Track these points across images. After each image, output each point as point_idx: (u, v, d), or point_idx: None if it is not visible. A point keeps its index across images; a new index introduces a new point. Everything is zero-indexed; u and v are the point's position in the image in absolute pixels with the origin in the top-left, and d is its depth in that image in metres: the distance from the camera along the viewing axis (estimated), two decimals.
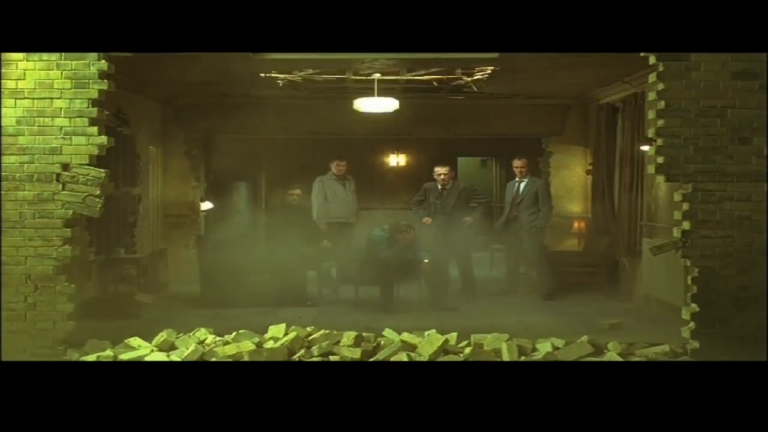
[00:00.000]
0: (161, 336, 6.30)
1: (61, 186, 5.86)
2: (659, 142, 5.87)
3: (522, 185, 9.51)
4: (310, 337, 6.29)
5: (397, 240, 8.76)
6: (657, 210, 8.43)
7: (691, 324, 5.89)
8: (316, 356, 5.98)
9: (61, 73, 5.84)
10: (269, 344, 6.17)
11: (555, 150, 11.30)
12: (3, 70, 5.81)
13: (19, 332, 5.84)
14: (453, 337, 6.28)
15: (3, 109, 5.82)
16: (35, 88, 5.85)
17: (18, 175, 5.85)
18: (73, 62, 5.83)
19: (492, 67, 8.11)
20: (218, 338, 6.40)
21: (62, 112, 5.85)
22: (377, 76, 8.44)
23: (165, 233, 10.91)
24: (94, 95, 5.86)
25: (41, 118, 5.85)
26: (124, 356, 5.98)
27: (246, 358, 5.88)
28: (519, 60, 7.62)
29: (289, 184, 9.53)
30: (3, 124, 5.82)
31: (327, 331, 6.36)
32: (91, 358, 5.91)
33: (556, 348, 6.09)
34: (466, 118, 11.13)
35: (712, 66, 5.80)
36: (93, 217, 6.08)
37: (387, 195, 13.41)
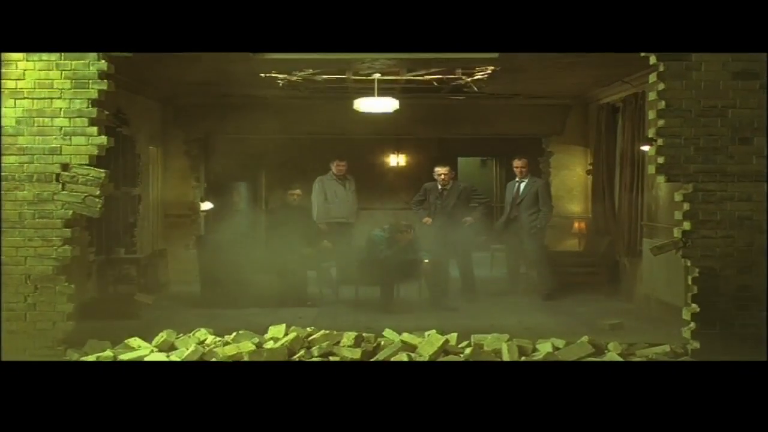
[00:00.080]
0: (161, 336, 6.29)
1: (60, 186, 5.86)
2: (660, 142, 5.86)
3: (522, 185, 9.50)
4: (310, 338, 6.29)
5: (398, 240, 8.76)
6: (657, 210, 8.42)
7: (692, 324, 5.88)
8: (316, 356, 5.98)
9: (61, 73, 5.84)
10: (269, 344, 6.17)
11: (555, 150, 11.29)
12: (3, 70, 5.80)
13: (19, 332, 5.84)
14: (453, 337, 6.28)
15: (3, 109, 5.82)
16: (35, 88, 5.84)
17: (18, 175, 5.84)
18: (73, 62, 5.83)
19: (492, 67, 8.11)
20: (218, 338, 6.40)
21: (62, 112, 5.85)
22: (377, 76, 8.43)
23: (165, 233, 10.90)
24: (94, 95, 5.85)
25: (41, 118, 5.85)
26: (124, 356, 5.98)
27: (246, 359, 5.88)
28: (519, 60, 7.62)
29: (289, 184, 9.52)
30: (3, 124, 5.81)
31: (327, 332, 6.36)
32: (91, 358, 5.91)
33: (556, 348, 6.08)
34: (467, 118, 11.12)
35: (712, 66, 5.80)
36: (93, 217, 6.08)
37: (387, 195, 13.39)
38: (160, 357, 5.98)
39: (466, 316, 7.98)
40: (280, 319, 6.93)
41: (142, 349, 6.13)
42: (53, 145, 5.84)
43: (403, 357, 5.89)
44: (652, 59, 5.87)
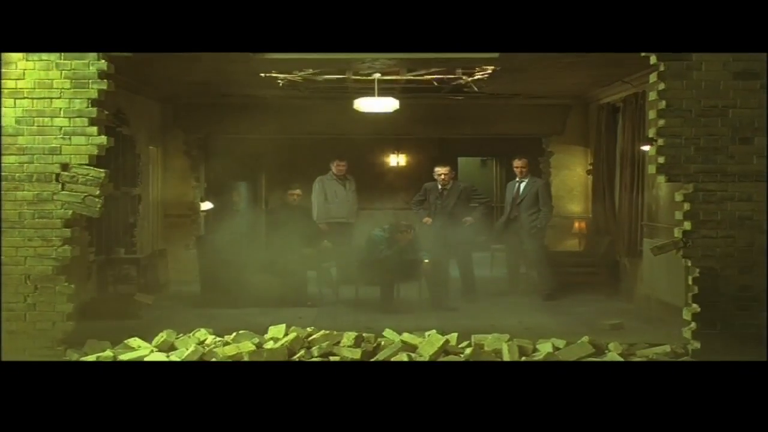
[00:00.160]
0: (161, 336, 6.29)
1: (60, 186, 5.85)
2: (660, 142, 5.86)
3: (522, 185, 9.49)
4: (310, 338, 6.28)
5: (398, 240, 8.75)
6: (658, 210, 8.42)
7: (692, 324, 5.88)
8: (316, 357, 5.97)
9: (61, 73, 5.83)
10: (269, 345, 6.16)
11: (555, 150, 11.29)
12: (3, 70, 5.80)
13: (19, 332, 5.83)
14: (453, 337, 6.27)
15: (3, 109, 5.81)
16: (35, 88, 5.84)
17: (17, 175, 5.84)
18: (73, 62, 5.82)
19: (492, 67, 8.11)
20: (218, 338, 6.39)
21: (62, 112, 5.84)
22: (377, 76, 8.43)
23: (165, 233, 10.90)
24: (94, 95, 5.85)
25: (41, 118, 5.84)
26: (124, 356, 5.97)
27: (246, 359, 5.87)
28: (519, 60, 7.61)
29: (289, 184, 9.51)
30: (3, 124, 5.81)
31: (327, 332, 6.35)
32: (91, 358, 5.90)
33: (556, 348, 6.08)
34: (467, 118, 11.12)
35: (713, 66, 5.80)
36: (93, 217, 6.07)
37: (387, 195, 13.39)
38: (160, 357, 5.97)
39: (466, 316, 7.97)
40: (280, 319, 6.93)
41: (142, 349, 6.13)
42: (53, 145, 5.84)
43: (403, 357, 5.88)
44: (653, 59, 5.86)
